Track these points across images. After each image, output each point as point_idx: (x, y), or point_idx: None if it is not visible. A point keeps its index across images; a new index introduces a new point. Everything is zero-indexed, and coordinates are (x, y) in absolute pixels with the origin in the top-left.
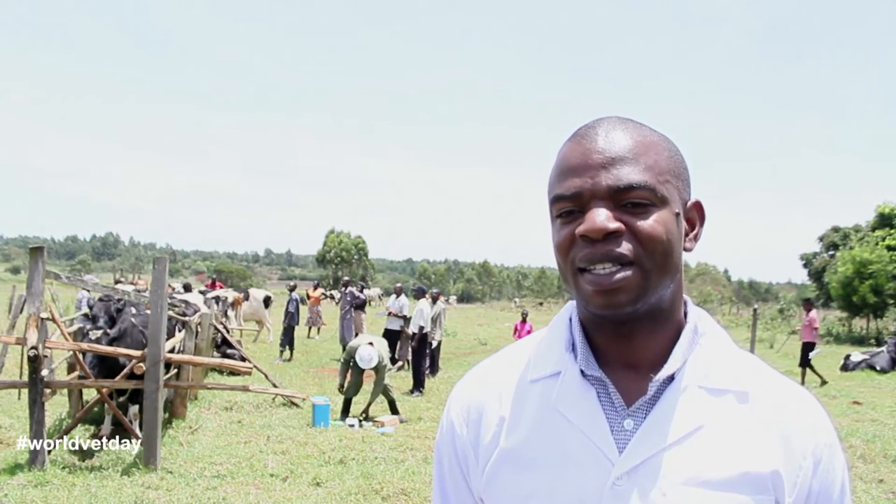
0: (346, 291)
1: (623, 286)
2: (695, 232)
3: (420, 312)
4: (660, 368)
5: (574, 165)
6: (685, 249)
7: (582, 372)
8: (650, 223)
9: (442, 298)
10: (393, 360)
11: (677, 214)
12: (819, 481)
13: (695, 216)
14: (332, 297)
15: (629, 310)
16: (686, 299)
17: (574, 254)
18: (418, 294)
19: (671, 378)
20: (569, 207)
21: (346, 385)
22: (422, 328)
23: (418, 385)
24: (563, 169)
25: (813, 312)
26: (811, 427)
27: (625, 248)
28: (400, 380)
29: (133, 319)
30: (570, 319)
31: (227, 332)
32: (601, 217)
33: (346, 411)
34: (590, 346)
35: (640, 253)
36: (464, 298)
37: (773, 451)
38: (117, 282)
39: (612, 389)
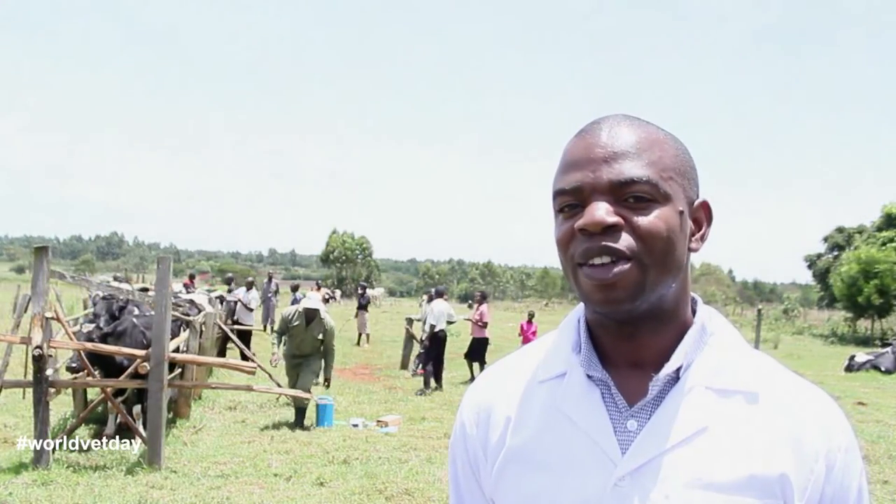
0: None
1: (620, 281)
2: (701, 232)
3: (430, 311)
4: (662, 368)
5: (576, 159)
6: (691, 250)
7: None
8: (650, 219)
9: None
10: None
11: (681, 212)
12: (833, 486)
13: (702, 216)
14: (334, 298)
15: (628, 306)
16: (696, 298)
17: (573, 249)
18: (438, 294)
19: (677, 378)
20: (570, 202)
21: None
22: (433, 327)
23: (438, 380)
24: (565, 163)
25: (484, 306)
26: (825, 430)
27: (623, 243)
28: (404, 380)
29: (134, 319)
30: (579, 320)
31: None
32: (600, 211)
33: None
34: (596, 347)
35: (638, 248)
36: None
37: (782, 453)
38: (115, 278)
39: (615, 390)
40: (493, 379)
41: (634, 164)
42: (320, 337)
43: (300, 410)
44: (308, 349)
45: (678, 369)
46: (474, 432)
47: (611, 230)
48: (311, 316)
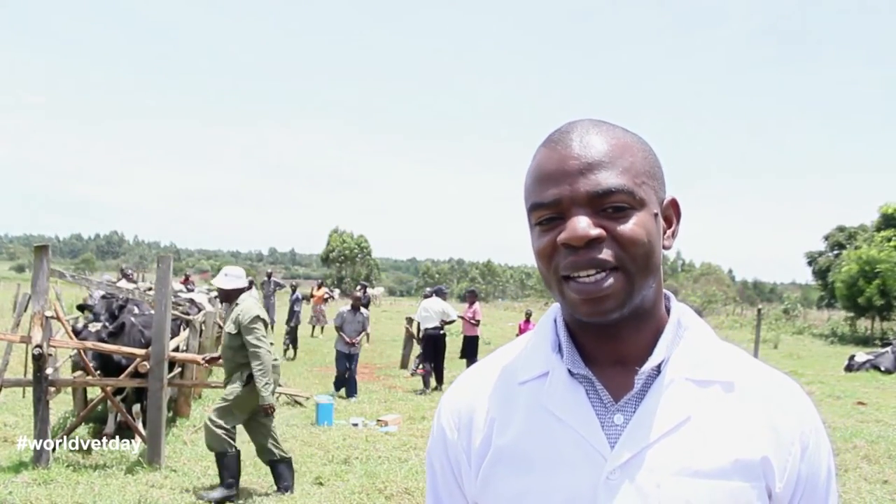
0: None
1: (610, 293)
2: (672, 229)
3: (421, 309)
4: (645, 363)
5: (551, 172)
6: (664, 248)
7: (570, 371)
8: (630, 227)
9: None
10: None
11: (655, 215)
12: (807, 466)
13: (671, 214)
14: (333, 297)
15: (616, 315)
16: (668, 295)
17: (557, 261)
18: (438, 294)
19: (658, 372)
20: (549, 215)
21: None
22: (437, 328)
23: (438, 380)
24: (539, 176)
25: (476, 304)
26: (797, 414)
27: (607, 253)
28: (404, 379)
29: (133, 318)
30: (555, 321)
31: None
32: (582, 224)
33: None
34: (576, 346)
35: (622, 257)
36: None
37: (762, 438)
38: (125, 275)
39: (600, 386)
40: (470, 383)
41: (610, 173)
42: (236, 332)
43: (281, 464)
44: (230, 364)
45: (658, 363)
46: (455, 437)
47: (594, 242)
48: (227, 299)
